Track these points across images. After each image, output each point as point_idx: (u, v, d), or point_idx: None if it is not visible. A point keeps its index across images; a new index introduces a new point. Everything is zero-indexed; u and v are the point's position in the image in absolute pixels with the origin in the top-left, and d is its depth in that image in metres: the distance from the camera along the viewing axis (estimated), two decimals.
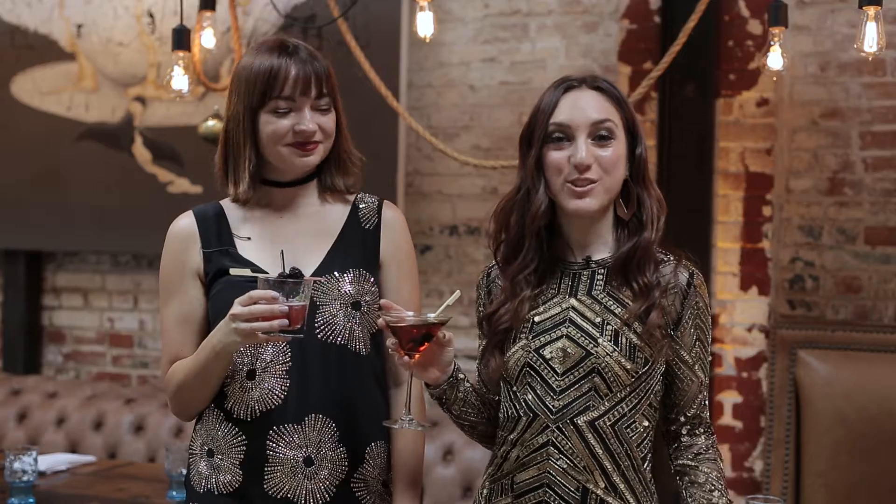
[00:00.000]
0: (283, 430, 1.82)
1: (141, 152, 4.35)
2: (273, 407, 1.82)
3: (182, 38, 2.96)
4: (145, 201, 4.29)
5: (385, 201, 1.99)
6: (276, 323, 1.66)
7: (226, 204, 1.94)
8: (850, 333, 3.57)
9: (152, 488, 2.99)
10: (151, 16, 4.32)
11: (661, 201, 1.78)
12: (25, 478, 2.70)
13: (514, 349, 1.77)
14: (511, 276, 1.80)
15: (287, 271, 1.73)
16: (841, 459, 3.43)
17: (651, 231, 1.75)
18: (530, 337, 1.76)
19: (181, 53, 2.97)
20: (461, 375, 1.82)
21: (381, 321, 1.72)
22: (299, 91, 1.81)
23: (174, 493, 2.80)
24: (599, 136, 1.73)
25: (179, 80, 2.98)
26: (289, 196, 1.91)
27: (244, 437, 1.83)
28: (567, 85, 1.78)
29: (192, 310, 1.89)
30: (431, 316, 1.70)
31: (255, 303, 1.67)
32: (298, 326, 1.70)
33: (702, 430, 1.80)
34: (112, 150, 4.39)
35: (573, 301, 1.76)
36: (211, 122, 3.51)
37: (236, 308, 1.69)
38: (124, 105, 4.38)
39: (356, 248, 1.91)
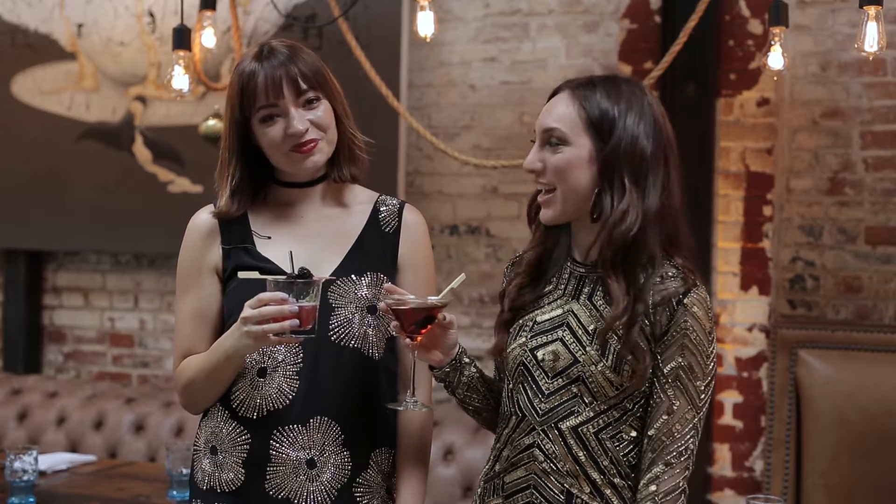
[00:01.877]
0: (287, 430, 1.81)
1: (141, 152, 4.35)
2: (280, 406, 1.81)
3: (182, 38, 2.96)
4: (146, 201, 4.29)
5: (407, 204, 1.97)
6: (286, 324, 1.65)
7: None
8: (850, 333, 3.57)
9: (153, 488, 2.99)
10: (152, 15, 4.32)
11: (626, 202, 1.67)
12: (26, 477, 2.70)
13: (513, 346, 1.77)
14: (519, 258, 1.83)
15: (296, 272, 1.71)
16: (841, 459, 3.43)
17: (600, 233, 1.68)
18: (529, 336, 1.75)
19: (182, 53, 2.97)
20: (466, 360, 1.81)
21: (382, 304, 1.72)
22: (272, 95, 1.80)
23: (175, 492, 2.80)
24: (550, 142, 1.71)
25: (180, 79, 2.98)
26: (306, 196, 1.90)
27: (248, 435, 1.83)
28: (554, 90, 1.77)
29: (207, 305, 1.87)
30: (433, 298, 1.71)
31: (264, 305, 1.67)
32: (310, 327, 1.69)
33: (662, 468, 1.66)
34: (112, 150, 4.39)
35: (574, 305, 1.74)
36: (211, 122, 3.51)
37: (246, 311, 1.68)
38: (125, 105, 4.38)
39: (375, 251, 1.90)
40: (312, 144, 1.82)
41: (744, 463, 3.64)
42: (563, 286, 1.77)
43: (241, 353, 1.76)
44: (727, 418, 3.64)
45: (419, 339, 1.72)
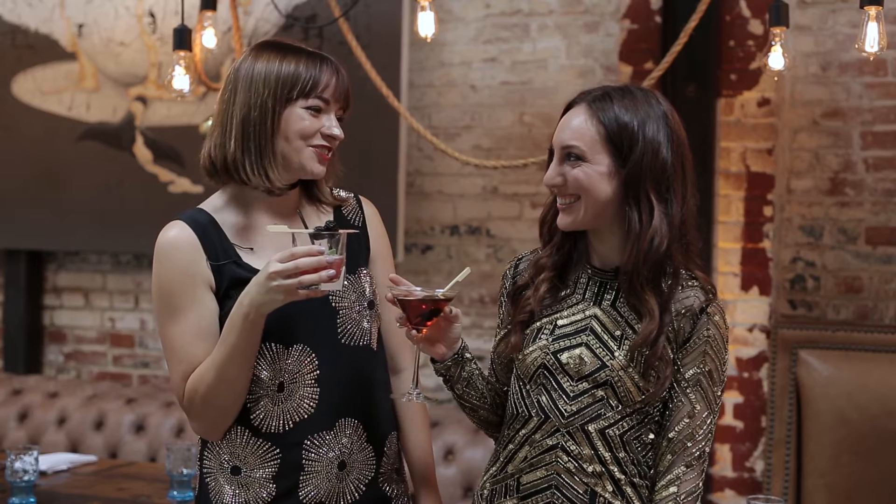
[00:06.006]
0: (316, 437, 1.82)
1: (142, 152, 4.35)
2: (306, 416, 1.82)
3: (183, 38, 2.96)
4: (146, 201, 4.29)
5: (361, 196, 2.02)
6: (324, 274, 1.64)
7: (213, 211, 1.87)
8: (851, 333, 3.57)
9: (153, 488, 2.99)
10: (152, 15, 4.32)
11: (658, 220, 1.69)
12: (26, 477, 2.70)
13: (532, 348, 1.77)
14: (536, 261, 1.83)
15: (312, 229, 1.71)
16: (842, 459, 3.43)
17: (633, 251, 1.69)
18: (550, 339, 1.76)
19: (182, 53, 2.97)
20: (468, 355, 1.83)
21: (388, 295, 1.73)
22: (335, 96, 1.83)
23: (175, 492, 2.80)
24: (569, 158, 1.73)
25: (180, 79, 2.98)
26: (278, 203, 1.87)
27: (278, 449, 1.81)
28: (569, 104, 1.78)
29: (211, 322, 1.80)
30: (440, 291, 1.71)
31: (296, 258, 1.64)
32: (338, 280, 1.68)
33: (682, 469, 1.71)
34: (113, 150, 4.39)
35: (597, 310, 1.76)
36: (212, 122, 3.50)
37: (276, 266, 1.64)
38: (125, 105, 4.38)
39: (352, 246, 1.88)
40: (331, 154, 1.86)
41: (744, 463, 3.64)
42: (581, 291, 1.79)
43: (265, 310, 1.69)
44: (728, 419, 3.64)
45: (424, 331, 1.73)
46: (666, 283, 1.71)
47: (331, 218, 1.74)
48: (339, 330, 1.85)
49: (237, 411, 1.81)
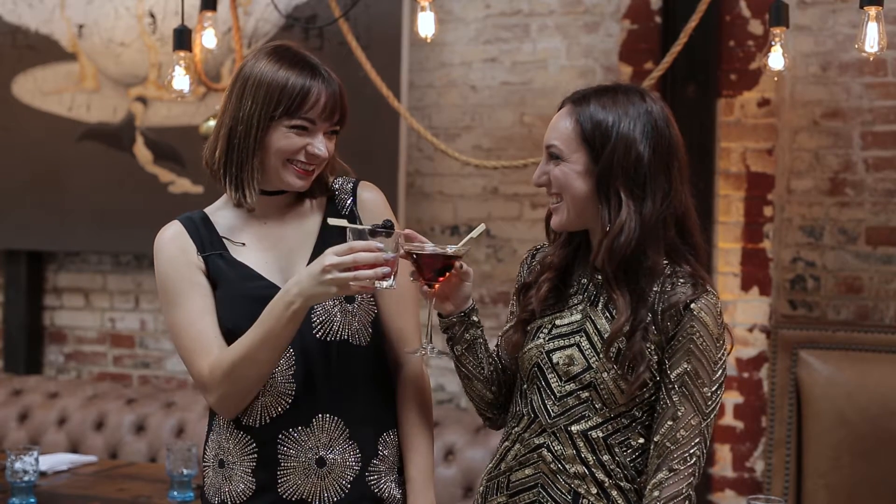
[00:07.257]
0: (292, 433, 1.82)
1: (142, 152, 4.35)
2: (281, 411, 1.82)
3: (183, 39, 2.96)
4: (146, 201, 4.29)
5: (362, 182, 1.97)
6: (379, 270, 1.64)
7: (210, 211, 1.93)
8: (851, 334, 3.57)
9: (153, 488, 2.99)
10: (153, 16, 4.32)
11: (625, 215, 1.69)
12: (27, 478, 2.71)
13: (530, 346, 1.79)
14: (542, 258, 1.85)
15: (369, 225, 1.71)
16: (842, 459, 3.43)
17: (600, 246, 1.70)
18: (546, 339, 1.77)
19: (182, 53, 2.97)
20: (475, 318, 1.82)
21: (401, 251, 1.73)
22: (322, 116, 1.82)
23: (175, 493, 2.80)
24: (552, 157, 1.76)
25: (180, 80, 2.98)
26: (269, 203, 1.89)
27: (255, 444, 1.83)
28: (560, 104, 1.80)
29: (213, 301, 1.84)
30: (452, 248, 1.73)
31: (355, 252, 1.64)
32: (392, 279, 1.68)
33: (666, 474, 1.67)
34: (113, 151, 4.39)
35: (592, 311, 1.76)
36: (212, 122, 3.49)
37: (333, 258, 1.64)
38: (125, 105, 4.38)
39: (338, 238, 1.85)
40: (312, 170, 1.85)
41: (744, 463, 3.64)
42: (582, 292, 1.79)
43: (314, 301, 1.71)
44: (728, 419, 3.64)
45: (436, 286, 1.74)
46: (646, 281, 1.70)
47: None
48: (315, 325, 1.83)
49: (257, 391, 1.82)
